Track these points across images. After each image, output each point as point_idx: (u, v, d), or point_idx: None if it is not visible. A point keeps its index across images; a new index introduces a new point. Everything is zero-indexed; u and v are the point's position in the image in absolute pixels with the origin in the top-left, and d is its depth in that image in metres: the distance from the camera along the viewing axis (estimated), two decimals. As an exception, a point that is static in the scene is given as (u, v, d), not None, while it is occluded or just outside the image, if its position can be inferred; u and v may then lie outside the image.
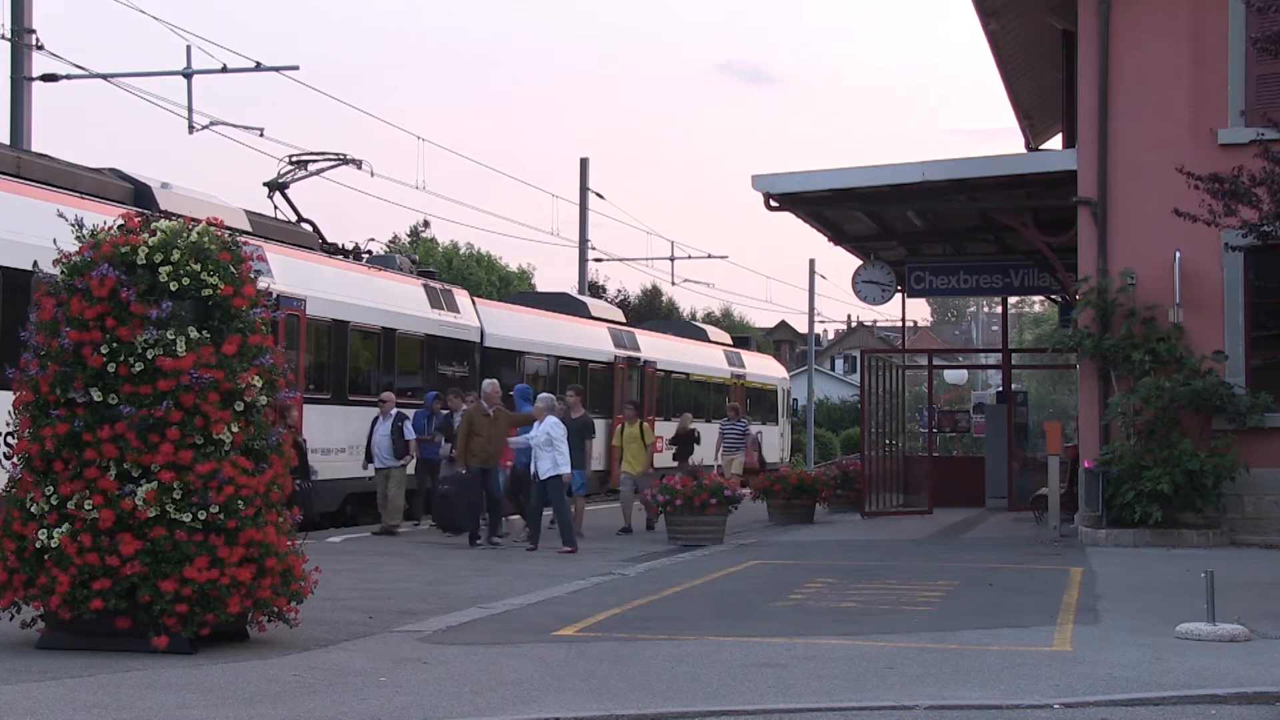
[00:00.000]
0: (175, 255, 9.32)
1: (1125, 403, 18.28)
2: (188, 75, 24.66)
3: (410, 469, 21.06)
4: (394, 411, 20.69)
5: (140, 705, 7.62)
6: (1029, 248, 23.27)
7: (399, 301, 23.98)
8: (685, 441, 25.79)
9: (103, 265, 9.25)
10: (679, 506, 18.65)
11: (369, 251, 24.96)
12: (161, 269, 9.29)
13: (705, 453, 29.44)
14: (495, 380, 20.77)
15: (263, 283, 10.16)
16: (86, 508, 9.11)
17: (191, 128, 24.81)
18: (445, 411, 21.20)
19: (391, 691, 8.11)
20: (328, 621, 10.59)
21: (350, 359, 22.43)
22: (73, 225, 9.62)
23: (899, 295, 27.04)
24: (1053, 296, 30.99)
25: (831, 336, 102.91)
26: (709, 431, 31.06)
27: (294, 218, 23.62)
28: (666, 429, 35.69)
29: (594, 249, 45.38)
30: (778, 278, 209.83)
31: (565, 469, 17.96)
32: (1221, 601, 10.48)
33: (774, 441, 43.15)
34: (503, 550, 17.98)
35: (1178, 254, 18.29)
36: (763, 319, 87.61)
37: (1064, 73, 22.13)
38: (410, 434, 20.62)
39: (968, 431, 37.70)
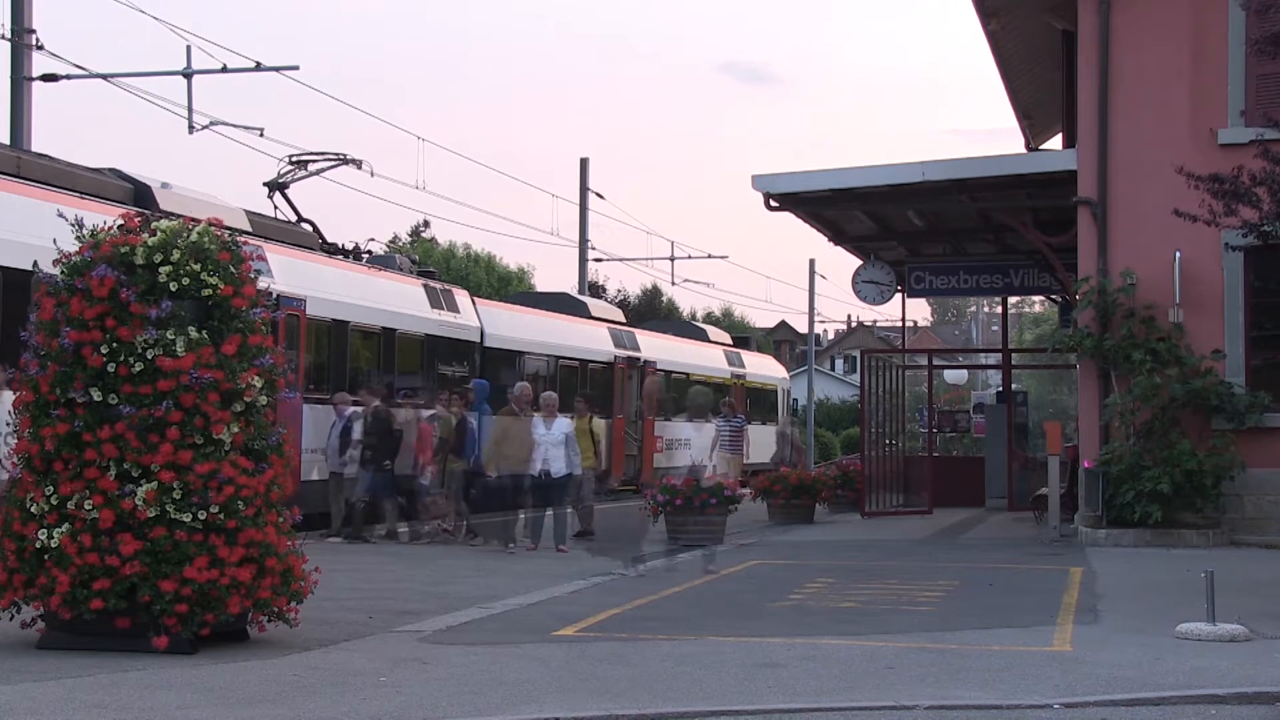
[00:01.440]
0: (175, 255, 9.31)
1: (1124, 402, 18.28)
2: (188, 75, 24.68)
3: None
4: (348, 412, 20.01)
5: (140, 705, 7.62)
6: (1029, 248, 23.27)
7: (399, 301, 23.97)
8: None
9: (102, 265, 9.24)
10: (679, 506, 18.64)
11: (369, 251, 24.95)
12: (161, 269, 9.29)
13: (700, 453, 29.35)
14: (526, 383, 20.64)
15: (263, 283, 10.16)
16: (86, 508, 9.11)
17: (191, 128, 24.82)
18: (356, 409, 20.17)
19: (391, 691, 8.11)
20: (328, 621, 10.59)
21: (350, 359, 22.42)
22: (73, 225, 9.62)
23: (899, 295, 27.05)
24: (1053, 296, 30.99)
25: (831, 336, 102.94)
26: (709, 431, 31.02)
27: (294, 218, 23.62)
28: (666, 429, 35.78)
29: (594, 249, 45.42)
30: (778, 278, 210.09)
31: (578, 470, 18.62)
32: (1221, 601, 10.48)
33: (774, 441, 43.15)
34: (502, 551, 17.98)
35: (1178, 254, 18.29)
36: (763, 319, 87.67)
37: (1064, 73, 22.13)
38: (357, 434, 19.83)
39: (968, 431, 37.68)
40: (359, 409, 20.08)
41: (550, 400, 18.95)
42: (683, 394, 36.99)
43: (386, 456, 19.61)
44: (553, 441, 18.19)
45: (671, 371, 36.39)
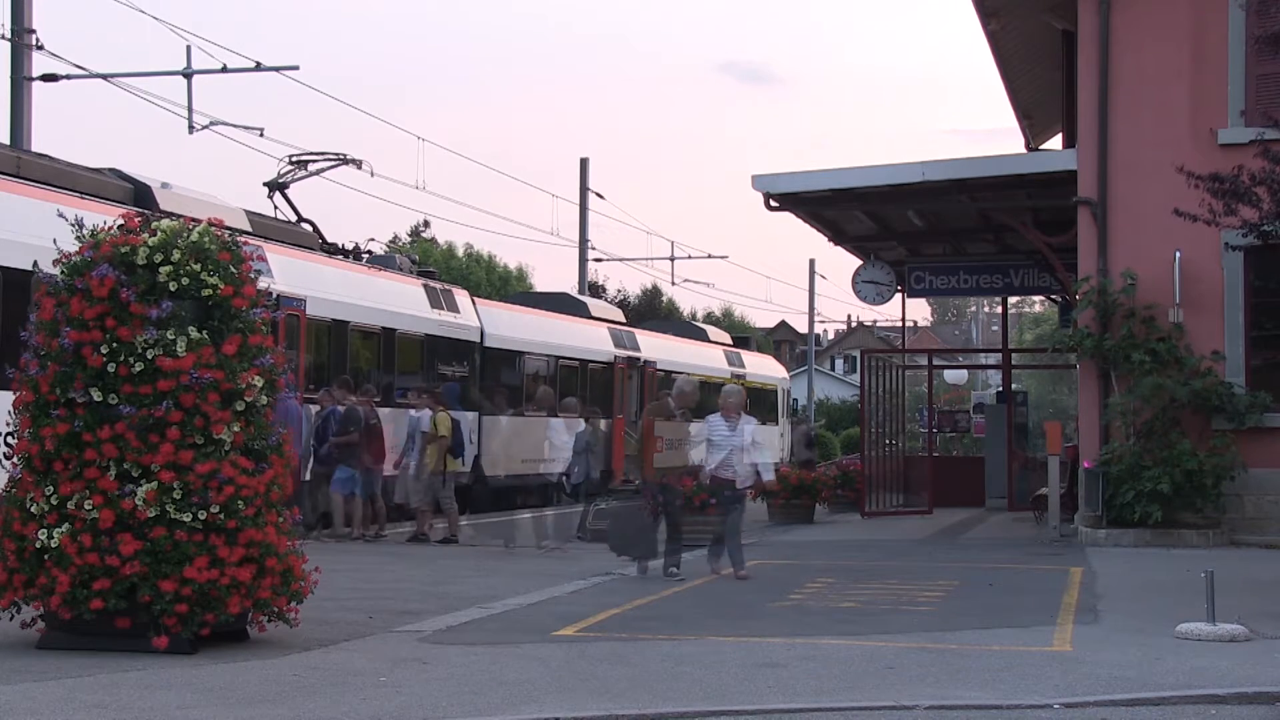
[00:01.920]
0: (175, 255, 9.31)
1: (1125, 403, 18.28)
2: (188, 75, 24.68)
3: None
4: (327, 410, 19.42)
5: (140, 705, 7.62)
6: (1029, 248, 23.27)
7: (399, 301, 23.97)
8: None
9: (103, 265, 9.24)
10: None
11: (369, 251, 24.95)
12: (161, 269, 9.29)
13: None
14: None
15: (263, 283, 10.15)
16: (86, 508, 9.11)
17: (191, 128, 24.83)
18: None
19: (391, 691, 8.11)
20: (328, 621, 10.58)
21: (350, 359, 22.42)
22: (73, 225, 9.62)
23: (899, 295, 27.05)
24: (1053, 296, 30.99)
25: (831, 336, 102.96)
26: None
27: (294, 218, 23.62)
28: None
29: (594, 249, 45.45)
30: (778, 278, 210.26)
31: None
32: (1221, 601, 10.48)
33: (774, 442, 43.16)
34: (500, 550, 17.98)
35: (1178, 254, 18.28)
36: (763, 319, 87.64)
37: (1064, 73, 22.13)
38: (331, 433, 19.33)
39: (968, 431, 37.69)
40: (338, 408, 19.65)
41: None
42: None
43: (359, 454, 19.26)
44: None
45: (671, 372, 36.35)
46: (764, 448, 15.29)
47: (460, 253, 60.58)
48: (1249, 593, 12.65)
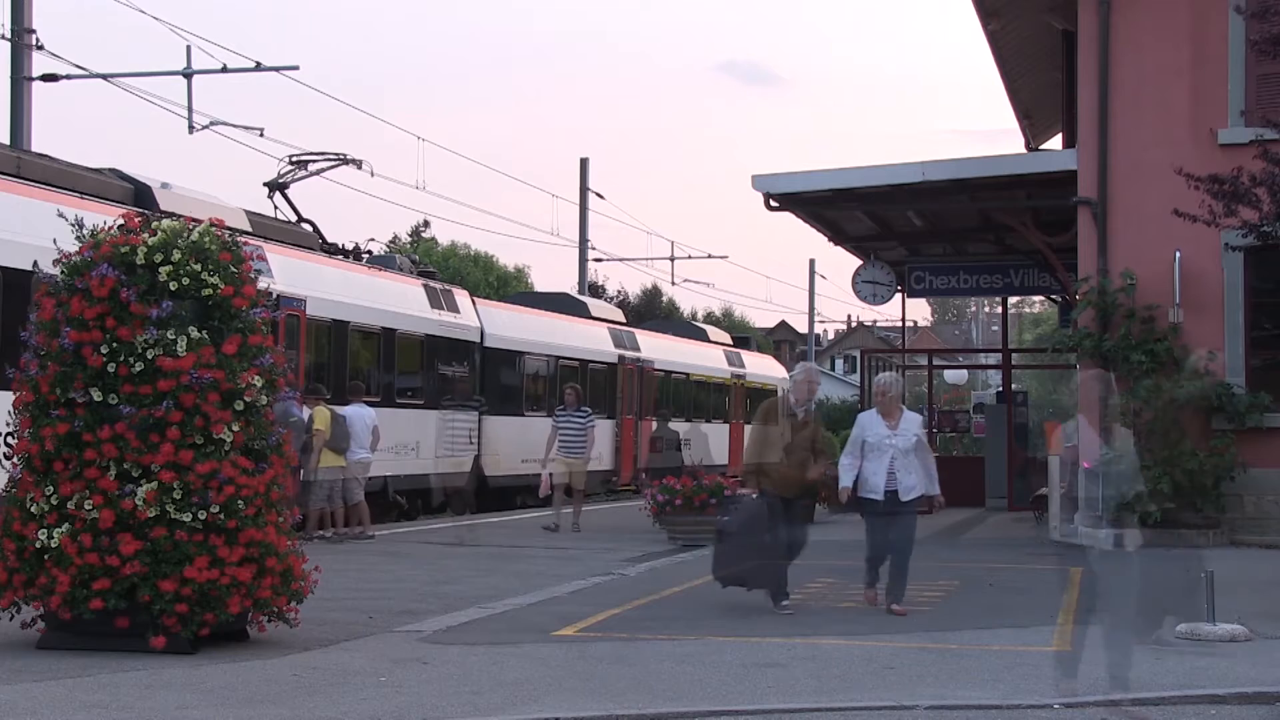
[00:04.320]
0: (175, 255, 9.32)
1: (1125, 404, 18.27)
2: (188, 75, 24.68)
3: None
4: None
5: (140, 705, 7.62)
6: (1029, 248, 23.28)
7: (399, 301, 23.97)
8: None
9: (103, 265, 9.25)
10: (678, 506, 18.65)
11: (369, 251, 24.95)
12: (162, 269, 9.30)
13: (700, 453, 29.45)
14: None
15: (263, 283, 10.17)
16: (86, 508, 9.12)
17: (191, 128, 24.83)
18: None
19: (391, 691, 8.11)
20: (328, 621, 10.59)
21: (350, 359, 22.41)
22: (73, 225, 9.63)
23: (899, 295, 27.05)
24: (1053, 296, 31.00)
25: (831, 336, 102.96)
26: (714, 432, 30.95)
27: (294, 218, 23.61)
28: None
29: (594, 249, 45.45)
30: (778, 278, 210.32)
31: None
32: (1221, 601, 10.49)
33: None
34: (499, 550, 17.97)
35: (1178, 254, 18.28)
36: (763, 319, 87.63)
37: (1064, 73, 22.14)
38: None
39: (968, 431, 37.70)
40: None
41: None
42: (683, 394, 36.99)
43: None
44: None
45: (672, 371, 36.38)
46: (929, 450, 12.79)
47: (460, 253, 60.57)
48: (1249, 593, 12.65)
